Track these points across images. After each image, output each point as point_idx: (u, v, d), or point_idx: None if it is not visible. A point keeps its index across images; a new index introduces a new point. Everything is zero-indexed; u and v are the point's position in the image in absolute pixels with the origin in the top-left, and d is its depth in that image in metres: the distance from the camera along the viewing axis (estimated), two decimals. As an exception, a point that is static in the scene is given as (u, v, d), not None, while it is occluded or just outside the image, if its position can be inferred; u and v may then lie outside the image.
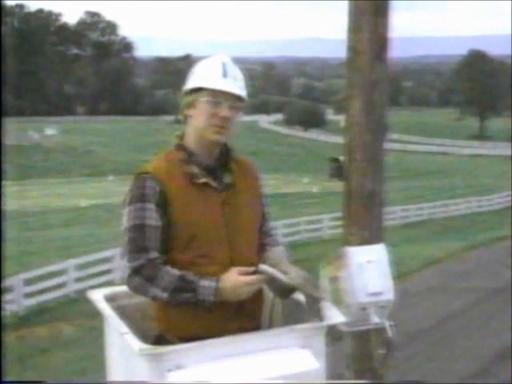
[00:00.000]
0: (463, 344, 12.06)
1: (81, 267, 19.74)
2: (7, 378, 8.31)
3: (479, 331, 12.76)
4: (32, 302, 18.07)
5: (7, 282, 17.44)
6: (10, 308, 17.37)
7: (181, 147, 2.94)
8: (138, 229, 2.79)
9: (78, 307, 16.40)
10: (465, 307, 15.09)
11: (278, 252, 2.95)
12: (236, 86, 2.90)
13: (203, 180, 2.87)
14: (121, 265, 20.26)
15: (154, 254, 2.78)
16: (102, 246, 22.03)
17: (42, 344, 14.32)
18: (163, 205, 2.81)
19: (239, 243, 2.86)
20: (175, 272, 2.75)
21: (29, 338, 14.99)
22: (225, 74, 2.89)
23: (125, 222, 2.83)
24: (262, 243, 3.00)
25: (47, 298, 18.53)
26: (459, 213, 37.92)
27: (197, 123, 2.90)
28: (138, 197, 2.83)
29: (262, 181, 3.10)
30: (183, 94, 2.96)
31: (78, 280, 19.39)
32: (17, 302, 17.61)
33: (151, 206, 2.81)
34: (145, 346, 2.64)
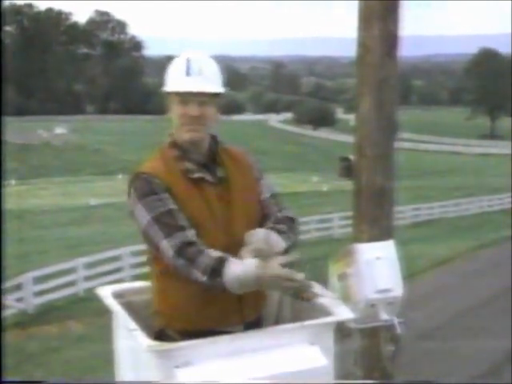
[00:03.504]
0: (473, 343, 12.02)
1: (90, 266, 19.80)
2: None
3: (490, 331, 12.71)
4: (41, 300, 18.12)
5: (16, 280, 17.51)
6: (19, 306, 17.43)
7: (174, 145, 2.95)
8: (166, 214, 2.78)
9: (87, 305, 16.45)
10: (475, 306, 15.05)
11: (255, 235, 2.81)
12: (201, 81, 2.87)
13: (198, 175, 2.88)
14: (129, 263, 20.34)
15: (190, 232, 2.76)
16: (112, 245, 22.06)
17: (52, 342, 14.36)
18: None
19: (236, 235, 2.84)
20: (214, 254, 2.71)
21: (38, 336, 15.04)
22: (188, 72, 2.87)
23: (145, 215, 2.79)
24: (269, 227, 2.91)
25: (56, 297, 18.60)
26: (470, 212, 37.83)
27: (173, 125, 2.93)
28: (149, 191, 2.82)
29: (256, 165, 3.06)
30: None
31: (87, 278, 19.46)
32: (26, 301, 17.67)
33: (165, 195, 2.81)
34: (153, 343, 2.63)
